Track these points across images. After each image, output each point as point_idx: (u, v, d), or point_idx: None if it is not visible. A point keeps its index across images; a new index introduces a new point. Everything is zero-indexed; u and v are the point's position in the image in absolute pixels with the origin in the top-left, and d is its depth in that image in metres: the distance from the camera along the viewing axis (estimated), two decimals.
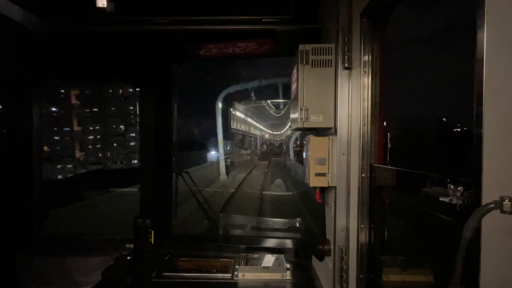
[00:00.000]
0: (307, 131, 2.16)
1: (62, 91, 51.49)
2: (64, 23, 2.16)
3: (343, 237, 1.77)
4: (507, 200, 0.67)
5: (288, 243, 2.65)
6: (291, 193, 10.71)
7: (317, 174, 1.88)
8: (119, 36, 2.33)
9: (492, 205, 0.69)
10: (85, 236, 2.84)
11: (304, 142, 2.14)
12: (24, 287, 2.54)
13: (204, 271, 2.35)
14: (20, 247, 2.62)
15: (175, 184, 3.40)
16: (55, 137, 50.39)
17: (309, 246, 2.48)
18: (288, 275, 2.17)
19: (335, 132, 1.83)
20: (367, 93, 1.68)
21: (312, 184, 1.91)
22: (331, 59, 1.85)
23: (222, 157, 15.56)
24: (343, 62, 1.74)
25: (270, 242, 2.69)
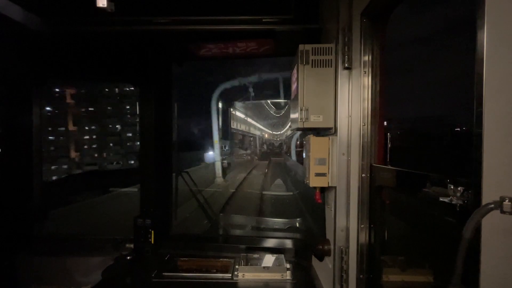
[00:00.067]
0: (307, 131, 2.16)
1: (57, 90, 50.84)
2: (64, 23, 2.16)
3: (343, 237, 1.77)
4: (507, 201, 0.67)
5: (288, 243, 2.65)
6: (291, 193, 10.70)
7: (317, 174, 1.88)
8: (119, 36, 2.33)
9: (492, 205, 0.69)
10: (85, 236, 2.84)
11: (304, 142, 2.14)
12: (24, 287, 2.54)
13: (204, 271, 2.36)
14: (20, 247, 2.62)
15: (175, 184, 3.40)
16: (50, 137, 49.91)
17: (309, 246, 2.48)
18: (288, 275, 2.17)
19: (335, 132, 1.83)
20: (367, 93, 1.68)
21: (312, 184, 1.91)
22: (331, 59, 1.85)
23: (218, 158, 14.44)
24: (343, 62, 1.74)
25: (270, 242, 2.69)
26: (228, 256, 2.49)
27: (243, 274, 2.16)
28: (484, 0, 0.78)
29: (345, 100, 1.76)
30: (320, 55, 1.86)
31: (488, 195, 0.77)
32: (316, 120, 1.87)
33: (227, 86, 14.47)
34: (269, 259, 2.47)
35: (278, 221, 4.73)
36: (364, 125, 1.68)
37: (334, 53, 1.84)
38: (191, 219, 6.33)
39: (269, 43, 2.43)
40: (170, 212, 2.95)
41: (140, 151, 2.74)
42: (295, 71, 2.01)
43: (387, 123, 1.77)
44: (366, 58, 1.67)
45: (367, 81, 1.68)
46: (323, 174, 1.87)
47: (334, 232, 1.83)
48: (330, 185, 1.87)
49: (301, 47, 1.87)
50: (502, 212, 0.68)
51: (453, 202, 0.98)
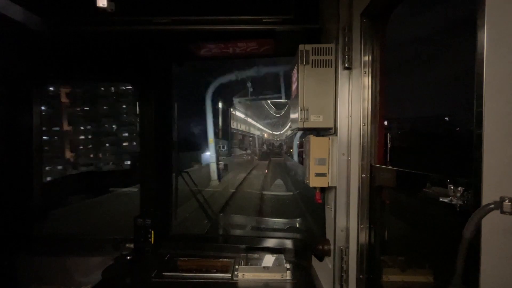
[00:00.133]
0: (307, 131, 2.16)
1: (51, 89, 49.65)
2: (64, 23, 2.16)
3: (343, 237, 1.77)
4: (507, 201, 0.67)
5: (288, 243, 2.65)
6: (291, 193, 10.68)
7: (317, 174, 1.88)
8: (119, 36, 2.33)
9: (492, 206, 0.69)
10: (85, 236, 2.84)
11: (304, 142, 2.14)
12: (24, 287, 2.54)
13: (204, 271, 2.35)
14: (20, 247, 2.62)
15: (175, 184, 3.40)
16: (44, 137, 48.27)
17: (309, 246, 2.48)
18: (288, 275, 2.16)
19: (335, 132, 1.83)
20: (367, 93, 1.68)
21: (312, 184, 1.91)
22: (331, 59, 1.85)
23: (213, 159, 13.12)
24: (343, 62, 1.74)
25: (270, 242, 2.68)
26: (228, 256, 2.49)
27: (243, 274, 2.16)
28: (484, 0, 0.78)
29: (345, 100, 1.76)
30: (320, 55, 1.86)
31: (488, 195, 0.77)
32: (316, 120, 1.87)
33: (223, 80, 13.30)
34: (269, 259, 2.47)
35: (278, 221, 4.73)
36: (364, 125, 1.68)
37: (334, 53, 1.84)
38: (190, 219, 6.32)
39: (269, 43, 2.43)
40: (170, 212, 2.95)
41: (140, 151, 2.74)
42: (295, 71, 2.01)
43: (387, 123, 1.77)
44: (366, 58, 1.67)
45: (367, 81, 1.68)
46: (323, 174, 1.87)
47: (334, 232, 1.83)
48: (330, 185, 1.87)
49: (301, 47, 1.87)
50: (502, 212, 0.68)
51: (453, 202, 0.98)
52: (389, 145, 1.70)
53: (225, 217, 5.30)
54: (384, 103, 1.69)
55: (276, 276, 2.16)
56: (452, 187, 0.99)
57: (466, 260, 0.75)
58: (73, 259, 2.56)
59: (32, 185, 2.74)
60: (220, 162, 14.63)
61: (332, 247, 1.89)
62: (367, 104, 1.67)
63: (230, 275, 2.17)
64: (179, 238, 2.86)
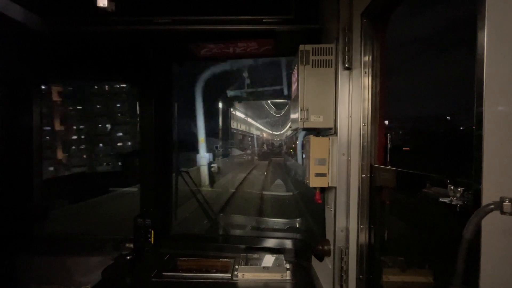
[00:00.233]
0: (307, 131, 2.16)
1: (43, 87, 48.65)
2: (64, 22, 2.16)
3: (343, 237, 1.77)
4: (507, 201, 0.67)
5: (288, 243, 2.65)
6: (291, 193, 10.66)
7: (317, 175, 1.88)
8: (120, 35, 2.33)
9: (492, 206, 0.69)
10: (85, 236, 2.84)
11: (304, 143, 2.14)
12: (24, 287, 2.54)
13: (204, 271, 2.35)
14: (20, 247, 2.62)
15: (175, 184, 3.39)
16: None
17: (309, 246, 2.48)
18: (288, 275, 2.17)
19: (335, 133, 1.83)
20: (367, 94, 1.68)
21: (312, 185, 1.91)
22: (331, 60, 1.85)
23: (205, 161, 11.20)
24: (344, 62, 1.74)
25: (270, 242, 2.68)
26: (228, 256, 2.49)
27: (243, 274, 2.16)
28: (485, 1, 0.78)
29: (345, 101, 1.76)
30: (321, 55, 1.86)
31: (488, 196, 0.77)
32: (316, 120, 1.87)
33: (216, 70, 11.70)
34: (269, 259, 2.47)
35: (278, 221, 4.73)
36: (364, 125, 1.68)
37: (335, 54, 1.84)
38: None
39: (270, 43, 2.43)
40: (170, 212, 2.95)
41: (140, 151, 2.74)
42: (295, 71, 2.01)
43: (388, 122, 1.77)
44: (367, 58, 1.67)
45: (367, 81, 1.68)
46: (323, 174, 1.87)
47: (334, 233, 1.83)
48: (330, 185, 1.87)
49: (301, 47, 1.87)
50: (502, 212, 0.68)
51: (453, 203, 0.98)
52: (389, 145, 1.70)
53: (225, 217, 5.30)
54: (384, 103, 1.70)
55: (276, 276, 2.16)
56: (452, 188, 0.99)
57: (466, 260, 0.75)
58: (73, 259, 2.56)
59: (32, 185, 2.74)
60: (213, 165, 12.63)
61: (332, 247, 1.89)
62: (367, 104, 1.67)
63: (230, 275, 2.17)
64: (179, 238, 2.86)
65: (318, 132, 2.09)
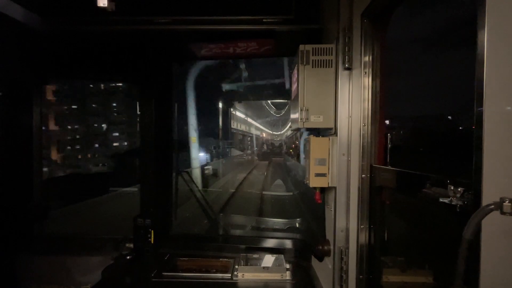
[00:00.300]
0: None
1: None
2: (65, 22, 2.16)
3: (343, 237, 1.77)
4: (507, 201, 0.67)
5: (288, 243, 2.65)
6: (291, 193, 10.65)
7: (317, 175, 1.87)
8: (120, 35, 2.33)
9: (492, 206, 0.69)
10: (85, 236, 2.84)
11: (304, 143, 2.14)
12: (24, 287, 2.54)
13: (204, 271, 2.35)
14: (20, 247, 2.62)
15: (175, 184, 3.39)
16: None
17: (308, 247, 2.48)
18: (287, 276, 2.16)
19: (335, 133, 1.83)
20: (367, 94, 1.68)
21: (312, 185, 1.91)
22: (331, 60, 1.85)
23: (197, 163, 9.85)
24: (344, 62, 1.74)
25: (270, 242, 2.68)
26: (228, 256, 2.49)
27: (243, 274, 2.16)
28: (485, 1, 0.78)
29: (346, 101, 1.76)
30: (321, 55, 1.86)
31: (488, 196, 0.77)
32: (316, 121, 1.87)
33: (208, 63, 9.78)
34: (269, 259, 2.46)
35: (278, 221, 4.72)
36: (365, 125, 1.68)
37: (335, 54, 1.84)
38: None
39: (270, 43, 2.43)
40: (170, 212, 2.96)
41: (140, 151, 2.74)
42: (295, 71, 2.01)
43: (389, 122, 1.77)
44: (367, 58, 1.67)
45: (367, 81, 1.68)
46: (323, 175, 1.87)
47: (334, 233, 1.83)
48: (330, 185, 1.87)
49: (301, 47, 1.87)
50: (502, 213, 0.68)
51: (453, 203, 0.98)
52: (389, 146, 1.70)
53: (225, 217, 5.29)
54: (384, 103, 1.70)
55: (275, 276, 2.15)
56: (452, 188, 0.99)
57: (466, 261, 0.75)
58: (73, 259, 2.56)
59: (32, 185, 2.74)
60: (207, 167, 11.50)
61: (332, 247, 1.89)
62: (367, 105, 1.67)
63: (230, 275, 2.17)
64: (179, 238, 2.86)
65: (318, 132, 2.10)
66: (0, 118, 2.60)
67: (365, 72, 1.68)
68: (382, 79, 1.68)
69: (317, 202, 2.02)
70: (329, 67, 1.85)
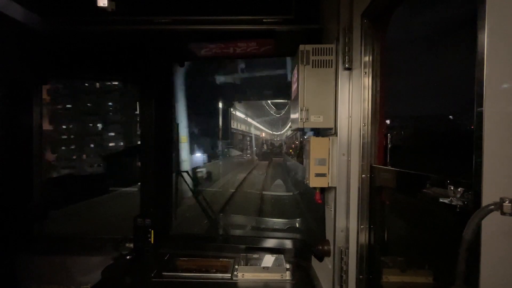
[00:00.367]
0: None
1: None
2: (65, 22, 2.16)
3: (343, 237, 1.77)
4: (507, 202, 0.67)
5: (288, 244, 2.65)
6: (291, 193, 10.66)
7: (317, 175, 1.87)
8: (120, 35, 2.33)
9: (492, 207, 0.69)
10: (85, 236, 2.84)
11: (304, 143, 2.14)
12: (24, 287, 2.55)
13: (204, 271, 2.35)
14: (20, 247, 2.62)
15: (175, 184, 3.40)
16: None
17: (308, 247, 2.48)
18: (287, 276, 2.16)
19: (335, 133, 1.83)
20: (367, 94, 1.68)
21: (312, 185, 1.91)
22: (331, 60, 1.85)
23: (187, 165, 8.89)
24: (344, 62, 1.74)
25: (270, 242, 2.69)
26: (227, 256, 2.49)
27: (243, 274, 2.16)
28: (485, 1, 0.78)
29: (346, 101, 1.76)
30: (321, 55, 1.86)
31: (488, 196, 0.77)
32: (316, 121, 1.87)
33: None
34: (268, 259, 2.47)
35: (278, 221, 4.72)
36: (365, 125, 1.68)
37: (335, 54, 1.84)
38: None
39: (270, 43, 2.43)
40: (170, 212, 2.96)
41: (140, 151, 2.74)
42: (295, 71, 2.01)
43: (390, 122, 1.77)
44: (367, 58, 1.67)
45: (367, 81, 1.68)
46: (323, 175, 1.87)
47: (334, 233, 1.83)
48: (330, 185, 1.87)
49: (301, 47, 1.87)
50: (502, 213, 0.68)
51: (453, 203, 0.98)
52: (389, 146, 1.70)
53: (225, 217, 5.30)
54: (384, 103, 1.70)
55: (275, 276, 2.15)
56: (452, 188, 0.99)
57: (466, 261, 0.75)
58: (73, 259, 2.56)
59: (32, 185, 2.74)
60: (200, 169, 10.64)
61: (331, 247, 1.89)
62: (367, 105, 1.67)
63: (230, 275, 2.17)
64: (179, 238, 2.86)
65: (318, 132, 2.10)
66: (0, 118, 2.60)
67: (365, 72, 1.68)
68: (382, 79, 1.68)
69: (317, 202, 2.02)
70: (329, 67, 1.85)
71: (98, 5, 1.82)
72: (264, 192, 11.10)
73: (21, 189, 2.70)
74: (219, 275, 2.20)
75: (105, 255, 2.49)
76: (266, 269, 2.23)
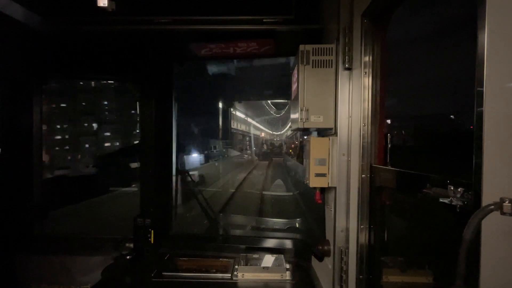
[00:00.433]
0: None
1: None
2: (65, 22, 2.16)
3: (343, 237, 1.77)
4: (507, 202, 0.67)
5: (288, 244, 2.65)
6: (291, 193, 10.63)
7: (317, 175, 1.87)
8: (120, 35, 2.33)
9: (492, 207, 0.69)
10: (85, 236, 2.84)
11: (304, 143, 2.14)
12: (24, 286, 2.55)
13: (204, 271, 2.35)
14: (20, 246, 2.62)
15: (175, 184, 3.39)
16: None
17: (308, 247, 2.48)
18: (287, 276, 2.16)
19: (335, 133, 1.83)
20: (367, 94, 1.68)
21: (312, 185, 1.91)
22: (331, 60, 1.85)
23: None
24: (344, 62, 1.74)
25: (270, 242, 2.68)
26: (227, 256, 2.49)
27: (243, 274, 2.16)
28: (485, 1, 0.78)
29: (346, 101, 1.76)
30: (321, 55, 1.86)
31: (488, 196, 0.77)
32: (316, 121, 1.87)
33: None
34: (268, 259, 2.47)
35: (278, 221, 4.72)
36: (365, 125, 1.68)
37: (335, 54, 1.84)
38: None
39: (270, 43, 2.43)
40: (170, 211, 2.95)
41: (140, 151, 2.74)
42: (295, 71, 2.01)
43: (389, 122, 1.77)
44: (367, 58, 1.67)
45: (367, 81, 1.68)
46: (323, 175, 1.87)
47: (334, 233, 1.83)
48: (330, 185, 1.87)
49: (301, 47, 1.87)
50: (502, 213, 0.68)
51: (453, 203, 0.98)
52: (389, 146, 1.70)
53: (225, 217, 5.29)
54: (384, 103, 1.70)
55: (275, 276, 2.15)
56: (452, 188, 0.99)
57: (466, 261, 0.75)
58: (73, 259, 2.56)
59: (32, 185, 2.74)
60: (193, 173, 10.70)
61: (332, 247, 1.89)
62: (367, 105, 1.67)
63: (230, 275, 2.17)
64: (179, 238, 2.86)
65: (318, 132, 2.10)
66: (0, 118, 2.60)
67: (365, 72, 1.68)
68: (382, 79, 1.68)
69: (317, 202, 2.02)
70: (329, 67, 1.85)
71: (98, 5, 1.81)
72: (264, 192, 11.08)
73: (21, 189, 2.70)
74: (219, 275, 2.20)
75: (105, 255, 2.49)
76: (266, 269, 2.23)
